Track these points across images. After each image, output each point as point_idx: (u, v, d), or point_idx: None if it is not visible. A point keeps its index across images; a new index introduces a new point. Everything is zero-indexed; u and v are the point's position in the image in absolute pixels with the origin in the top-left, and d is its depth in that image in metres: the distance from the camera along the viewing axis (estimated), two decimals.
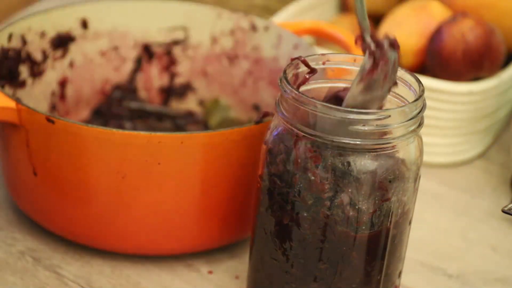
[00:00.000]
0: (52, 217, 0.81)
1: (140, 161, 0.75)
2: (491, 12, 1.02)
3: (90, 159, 0.76)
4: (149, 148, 0.74)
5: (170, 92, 0.98)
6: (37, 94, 0.90)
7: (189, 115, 0.98)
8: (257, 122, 0.76)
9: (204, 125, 0.98)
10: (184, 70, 0.97)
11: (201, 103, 0.98)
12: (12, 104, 0.76)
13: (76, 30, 0.92)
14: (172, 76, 0.98)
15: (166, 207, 0.78)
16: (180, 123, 0.98)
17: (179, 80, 0.98)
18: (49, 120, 0.75)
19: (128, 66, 0.96)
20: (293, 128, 0.67)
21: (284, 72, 0.69)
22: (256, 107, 0.96)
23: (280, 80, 0.68)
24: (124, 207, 0.78)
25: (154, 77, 0.98)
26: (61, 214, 0.80)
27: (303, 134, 0.67)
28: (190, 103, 0.99)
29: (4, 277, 0.78)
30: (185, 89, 0.98)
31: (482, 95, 0.97)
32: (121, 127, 0.96)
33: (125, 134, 0.74)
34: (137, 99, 0.98)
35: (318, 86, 0.72)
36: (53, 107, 0.92)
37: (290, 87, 0.67)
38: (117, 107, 0.97)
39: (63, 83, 0.93)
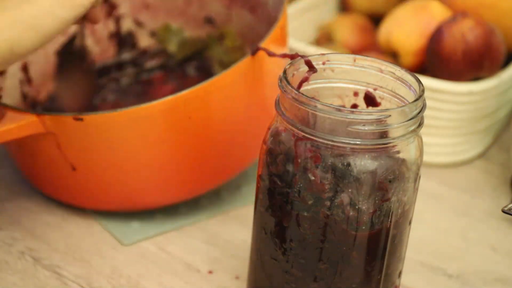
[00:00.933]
0: (93, 199, 0.84)
1: (175, 122, 0.78)
2: (491, 12, 1.02)
3: (128, 139, 0.78)
4: (178, 108, 0.77)
5: (120, 36, 0.99)
6: (8, 88, 0.91)
7: (144, 52, 0.99)
8: (253, 54, 0.79)
9: (165, 54, 0.99)
10: (126, 11, 0.98)
11: (153, 34, 0.99)
12: (33, 118, 0.78)
13: None
14: (117, 19, 0.98)
15: (198, 154, 0.82)
16: (140, 62, 0.99)
17: (125, 21, 0.99)
18: (77, 119, 0.77)
19: (73, 27, 0.96)
20: (293, 128, 0.67)
21: (284, 72, 0.69)
22: (208, 20, 0.96)
23: (280, 80, 0.68)
24: (164, 166, 0.81)
25: (99, 27, 0.98)
26: (103, 195, 0.84)
27: (303, 134, 0.67)
28: (143, 39, 0.99)
29: (4, 277, 0.78)
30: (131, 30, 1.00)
31: (482, 95, 0.97)
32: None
33: (154, 106, 0.77)
34: (87, 56, 0.98)
35: (318, 86, 0.72)
36: (24, 94, 0.93)
37: (290, 87, 0.67)
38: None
39: (25, 68, 0.93)
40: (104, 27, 0.98)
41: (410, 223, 0.72)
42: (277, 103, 0.69)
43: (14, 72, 0.92)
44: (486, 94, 0.97)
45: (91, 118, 0.77)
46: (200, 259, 0.82)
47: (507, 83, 0.99)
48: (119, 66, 1.00)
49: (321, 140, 0.66)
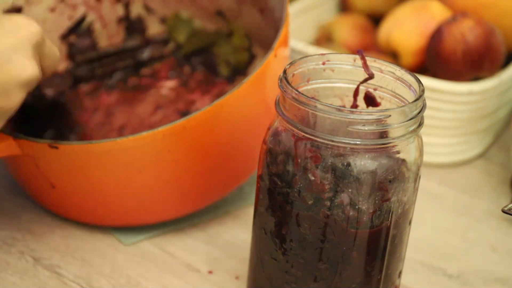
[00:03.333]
0: (73, 212, 0.84)
1: (152, 155, 0.77)
2: (491, 12, 1.02)
3: (104, 168, 0.78)
4: (156, 143, 0.76)
5: (129, 22, 0.98)
6: None
7: (147, 43, 0.98)
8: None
9: (172, 44, 0.98)
10: None
11: (163, 21, 0.98)
12: (9, 139, 0.77)
13: (19, 0, 0.91)
14: (126, 4, 0.97)
15: (179, 182, 0.81)
16: (143, 56, 0.98)
17: (134, 6, 0.98)
18: (52, 147, 0.77)
19: (81, 11, 0.95)
20: (293, 128, 0.67)
21: (284, 72, 0.69)
22: (219, 13, 0.95)
23: (280, 80, 0.68)
24: (141, 195, 0.80)
25: (108, 12, 0.97)
26: (82, 209, 0.83)
27: (303, 134, 0.67)
28: (152, 26, 0.98)
29: (4, 277, 0.78)
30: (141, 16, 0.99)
31: (482, 95, 0.97)
32: (96, 89, 0.97)
33: (130, 140, 0.76)
34: (95, 43, 0.97)
35: (318, 86, 0.72)
36: None
37: (290, 87, 0.67)
38: (79, 68, 0.97)
39: None
40: (113, 11, 0.97)
41: (410, 223, 0.72)
42: (277, 103, 0.69)
43: None
44: (486, 94, 0.97)
45: (66, 147, 0.77)
46: (200, 259, 0.82)
47: (507, 83, 0.99)
48: (122, 53, 0.98)
49: (321, 140, 0.66)
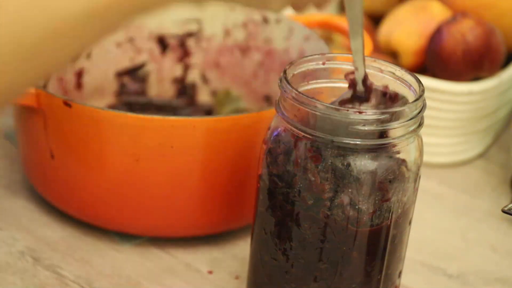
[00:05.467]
0: (67, 199, 0.83)
1: (154, 144, 0.77)
2: (491, 12, 1.02)
3: (105, 142, 0.78)
4: (162, 131, 0.76)
5: (183, 85, 1.00)
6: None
7: (190, 104, 1.00)
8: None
9: (208, 113, 1.00)
10: (197, 62, 0.99)
11: (214, 94, 1.00)
12: (31, 90, 0.78)
13: None
14: (186, 67, 0.99)
15: (177, 189, 0.79)
16: (182, 114, 0.99)
17: (192, 72, 1.00)
18: (66, 104, 0.77)
19: (143, 57, 0.98)
20: (293, 128, 0.67)
21: (284, 72, 0.69)
22: (267, 98, 0.97)
23: (280, 80, 0.68)
24: (138, 189, 0.79)
25: (167, 68, 0.99)
26: (76, 196, 0.82)
27: (303, 134, 0.67)
28: (203, 94, 1.00)
29: (4, 277, 0.78)
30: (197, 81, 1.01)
31: (482, 95, 0.97)
32: None
33: (139, 118, 0.76)
34: (145, 91, 1.00)
35: (318, 86, 0.72)
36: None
37: (290, 87, 0.67)
38: (121, 106, 0.98)
39: (79, 74, 0.95)
40: (172, 69, 0.99)
41: (410, 223, 0.72)
42: (277, 103, 0.69)
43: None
44: (486, 94, 0.97)
45: (79, 107, 0.77)
46: (200, 259, 0.82)
47: (507, 83, 0.99)
48: (165, 106, 1.00)
49: (321, 140, 0.66)
